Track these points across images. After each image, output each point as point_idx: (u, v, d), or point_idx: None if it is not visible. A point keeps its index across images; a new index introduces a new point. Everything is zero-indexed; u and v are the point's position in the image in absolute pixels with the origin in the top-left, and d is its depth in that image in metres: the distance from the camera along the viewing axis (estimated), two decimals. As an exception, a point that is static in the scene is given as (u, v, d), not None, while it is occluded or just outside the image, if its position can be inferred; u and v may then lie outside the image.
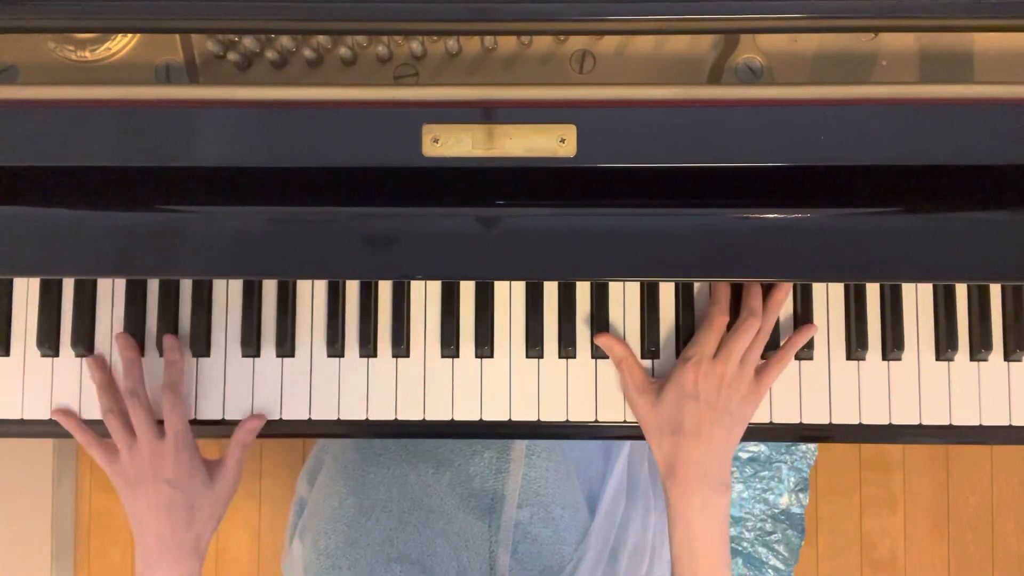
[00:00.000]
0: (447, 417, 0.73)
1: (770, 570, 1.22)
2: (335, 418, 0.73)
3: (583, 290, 0.73)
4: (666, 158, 0.58)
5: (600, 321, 0.73)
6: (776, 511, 1.23)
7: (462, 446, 0.83)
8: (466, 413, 0.73)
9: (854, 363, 0.73)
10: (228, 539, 1.64)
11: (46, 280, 0.73)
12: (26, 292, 0.73)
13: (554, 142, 0.57)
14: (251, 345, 0.72)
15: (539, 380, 0.73)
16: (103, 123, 0.58)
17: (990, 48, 0.64)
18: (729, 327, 0.69)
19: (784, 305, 0.72)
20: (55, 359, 0.73)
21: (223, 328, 0.73)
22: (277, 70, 0.66)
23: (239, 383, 0.73)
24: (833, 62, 0.65)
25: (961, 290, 0.73)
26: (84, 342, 0.72)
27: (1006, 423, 0.72)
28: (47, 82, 0.64)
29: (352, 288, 0.73)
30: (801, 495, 1.24)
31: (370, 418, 0.72)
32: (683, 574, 0.66)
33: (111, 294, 0.73)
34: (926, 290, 0.73)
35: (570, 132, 0.57)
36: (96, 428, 0.71)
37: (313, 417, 0.73)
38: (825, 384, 0.73)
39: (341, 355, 0.73)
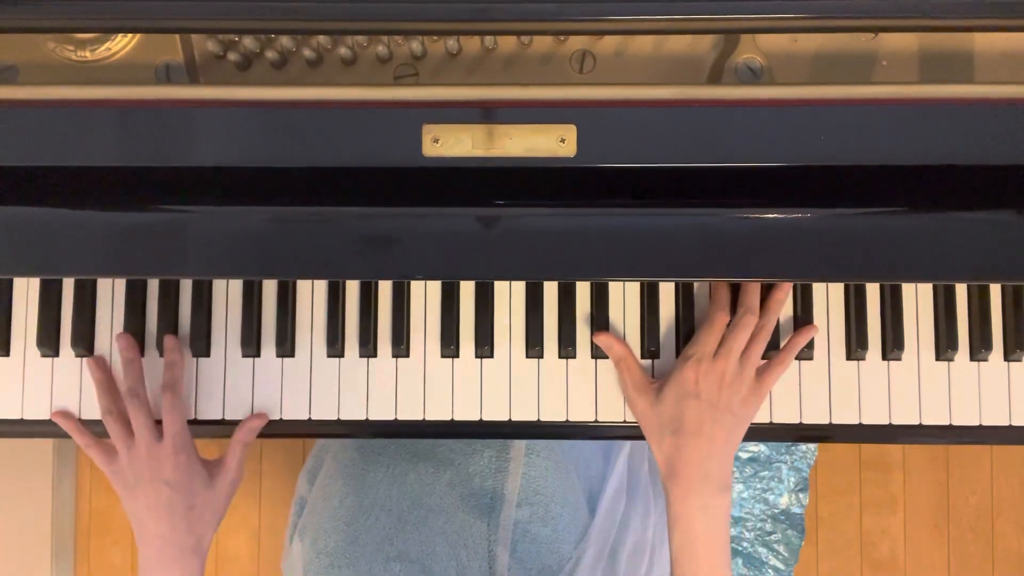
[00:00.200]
0: (447, 417, 0.73)
1: (770, 570, 1.22)
2: (335, 418, 0.73)
3: (583, 290, 0.73)
4: (666, 158, 0.58)
5: (600, 321, 0.73)
6: (776, 511, 1.23)
7: (462, 445, 0.83)
8: (466, 413, 0.73)
9: (854, 363, 0.73)
10: (228, 539, 1.64)
11: (46, 280, 0.73)
12: (26, 292, 0.73)
13: (554, 142, 0.57)
14: (251, 345, 0.72)
15: (539, 380, 0.73)
16: (103, 123, 0.58)
17: (990, 48, 0.64)
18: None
19: (784, 305, 0.72)
20: (55, 359, 0.73)
21: (223, 328, 0.73)
22: (277, 70, 0.66)
23: (239, 383, 0.73)
24: (833, 62, 0.65)
25: (961, 290, 0.73)
26: (84, 342, 0.72)
27: (1006, 423, 0.72)
28: (47, 82, 0.64)
29: (352, 288, 0.73)
30: (801, 495, 1.24)
31: (370, 418, 0.72)
32: (683, 574, 0.66)
33: (111, 294, 0.73)
34: (926, 290, 0.73)
35: (570, 132, 0.57)
36: (96, 428, 0.72)
37: (313, 417, 0.73)
38: (825, 384, 0.73)
39: (341, 355, 0.73)
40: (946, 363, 0.72)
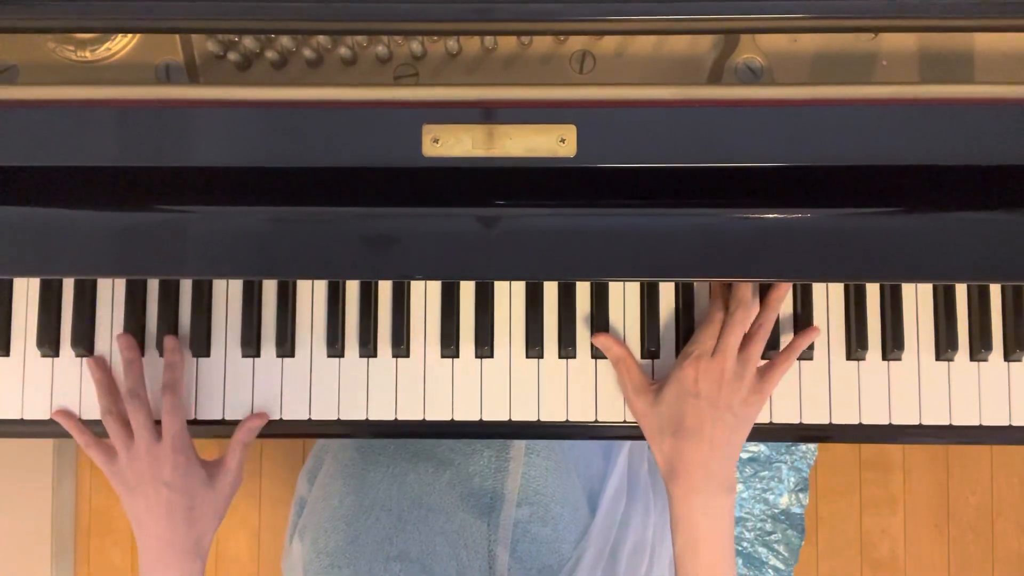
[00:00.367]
0: (447, 417, 0.73)
1: (770, 570, 1.22)
2: (335, 418, 0.73)
3: (583, 290, 0.73)
4: (666, 158, 0.58)
5: (600, 321, 0.73)
6: (776, 511, 1.23)
7: (462, 445, 0.83)
8: (466, 413, 0.73)
9: (854, 363, 0.73)
10: (228, 539, 1.64)
11: (46, 280, 0.73)
12: (26, 292, 0.73)
13: (554, 142, 0.57)
14: (251, 345, 0.72)
15: (539, 380, 0.73)
16: (103, 123, 0.58)
17: (990, 48, 0.64)
18: None
19: (784, 302, 0.72)
20: (55, 359, 0.73)
21: (223, 328, 0.73)
22: (277, 70, 0.66)
23: (239, 383, 0.73)
24: (833, 62, 0.65)
25: (961, 290, 0.73)
26: (84, 342, 0.72)
27: (1006, 423, 0.72)
28: (47, 82, 0.64)
29: (352, 288, 0.73)
30: (801, 495, 1.24)
31: (370, 418, 0.72)
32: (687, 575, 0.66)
33: (111, 294, 0.73)
34: (926, 290, 0.73)
35: (570, 132, 0.57)
36: (96, 429, 0.72)
37: (313, 417, 0.73)
38: (825, 384, 0.73)
39: (341, 355, 0.73)
40: (946, 363, 0.72)
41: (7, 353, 0.73)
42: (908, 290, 0.73)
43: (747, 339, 0.68)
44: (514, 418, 0.72)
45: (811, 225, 0.60)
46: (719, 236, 0.61)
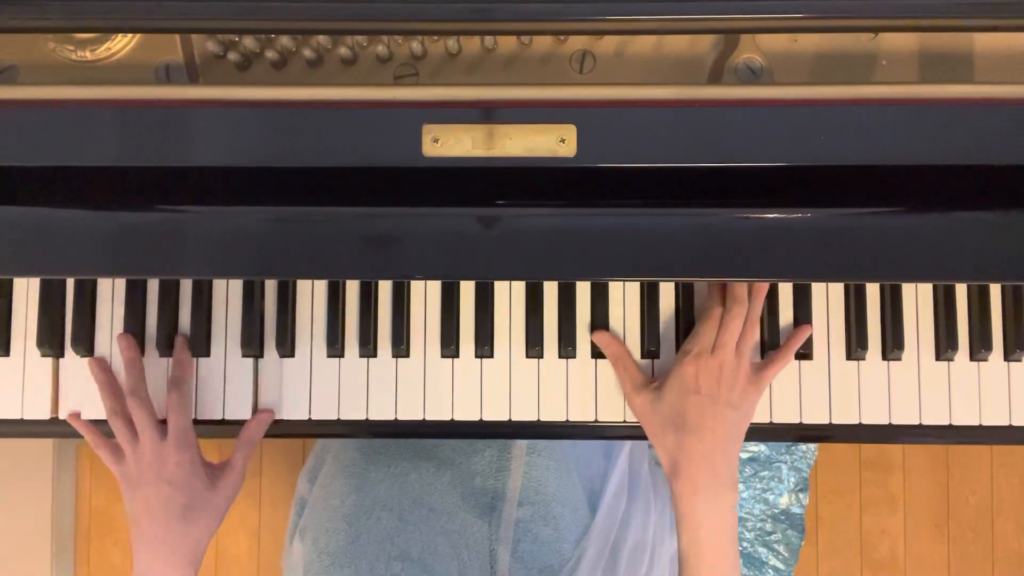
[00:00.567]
0: (447, 417, 0.73)
1: (770, 570, 1.21)
2: (335, 418, 0.73)
3: (583, 290, 0.73)
4: (666, 158, 0.58)
5: (600, 321, 0.73)
6: (776, 511, 1.22)
7: (463, 445, 0.83)
8: (466, 413, 0.73)
9: (854, 363, 0.73)
10: (228, 539, 1.64)
11: (46, 280, 0.73)
12: (26, 292, 0.73)
13: (554, 142, 0.57)
14: (251, 345, 0.72)
15: (539, 380, 0.73)
16: (103, 123, 0.58)
17: (990, 48, 0.64)
18: None
19: (766, 290, 0.72)
20: (55, 359, 0.73)
21: (223, 328, 0.73)
22: (277, 70, 0.66)
23: (239, 383, 0.73)
24: (833, 62, 0.65)
25: (961, 290, 0.73)
26: (84, 342, 0.72)
27: (1006, 423, 0.72)
28: (47, 82, 0.64)
29: (352, 288, 0.73)
30: (801, 495, 1.23)
31: (370, 418, 0.72)
32: (691, 574, 0.66)
33: (111, 294, 0.73)
34: (926, 290, 0.73)
35: (570, 132, 0.57)
36: (98, 427, 0.71)
37: (313, 417, 0.73)
38: (825, 384, 0.73)
39: (341, 355, 0.73)
40: (946, 363, 0.72)
41: (7, 353, 0.73)
42: (908, 290, 0.73)
43: (740, 334, 0.69)
44: (514, 418, 0.72)
45: (811, 225, 0.60)
46: (719, 236, 0.61)
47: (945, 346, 0.72)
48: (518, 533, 0.80)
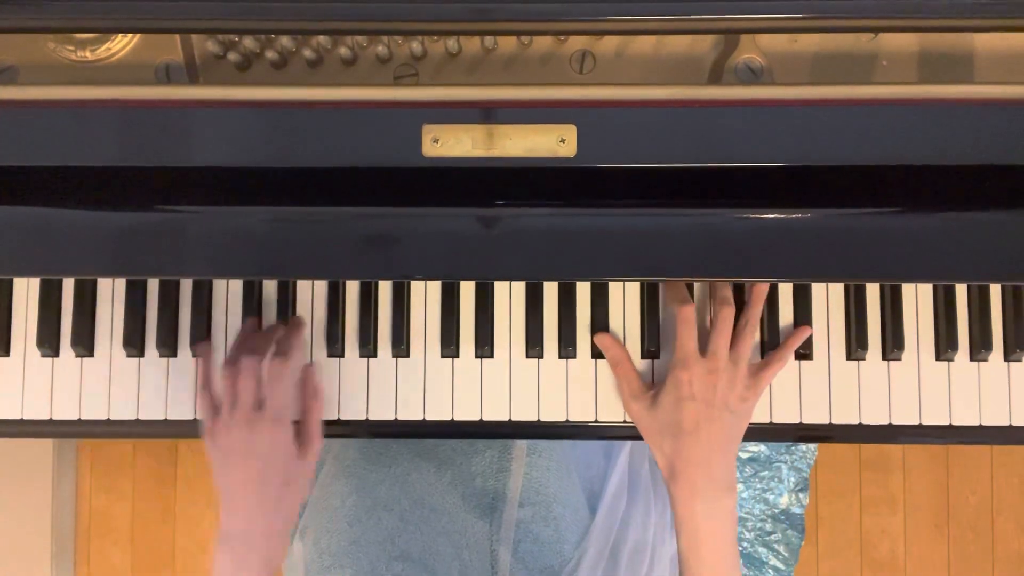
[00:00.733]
0: (447, 417, 0.73)
1: (770, 570, 1.21)
2: (335, 418, 0.73)
3: (583, 290, 0.73)
4: (666, 158, 0.58)
5: (600, 321, 0.73)
6: (776, 511, 1.22)
7: (463, 445, 0.83)
8: (466, 413, 0.73)
9: (854, 363, 0.73)
10: (228, 539, 1.64)
11: (46, 280, 0.73)
12: (26, 292, 0.73)
13: (554, 142, 0.57)
14: (251, 345, 0.72)
15: (539, 380, 0.73)
16: (103, 123, 0.58)
17: (990, 48, 0.64)
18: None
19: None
20: (55, 359, 0.73)
21: (223, 328, 0.73)
22: (277, 70, 0.66)
23: (239, 383, 0.73)
24: (833, 62, 0.65)
25: (961, 290, 0.73)
26: (84, 342, 0.72)
27: (1006, 423, 0.72)
28: (47, 82, 0.64)
29: (352, 288, 0.73)
30: (801, 495, 1.23)
31: (370, 418, 0.72)
32: None
33: (111, 294, 0.73)
34: (926, 290, 0.73)
35: (570, 132, 0.57)
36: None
37: (313, 417, 0.73)
38: (825, 384, 0.73)
39: (341, 355, 0.73)
40: (946, 363, 0.72)
41: (7, 353, 0.73)
42: (908, 290, 0.73)
43: (736, 336, 0.68)
44: (514, 418, 0.72)
45: (811, 225, 0.60)
46: (719, 236, 0.61)
47: (945, 346, 0.72)
48: (519, 534, 0.80)
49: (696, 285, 0.73)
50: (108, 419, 0.73)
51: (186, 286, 0.73)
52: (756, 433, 0.72)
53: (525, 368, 0.73)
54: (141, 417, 0.73)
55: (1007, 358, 0.72)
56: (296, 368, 0.69)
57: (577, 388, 0.73)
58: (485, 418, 0.72)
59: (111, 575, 1.64)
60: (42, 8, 0.54)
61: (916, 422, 0.72)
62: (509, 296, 0.73)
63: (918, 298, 0.73)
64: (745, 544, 1.23)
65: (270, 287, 0.73)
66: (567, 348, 0.72)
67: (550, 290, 0.73)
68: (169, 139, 0.58)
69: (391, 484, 0.81)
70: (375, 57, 0.66)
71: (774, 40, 0.65)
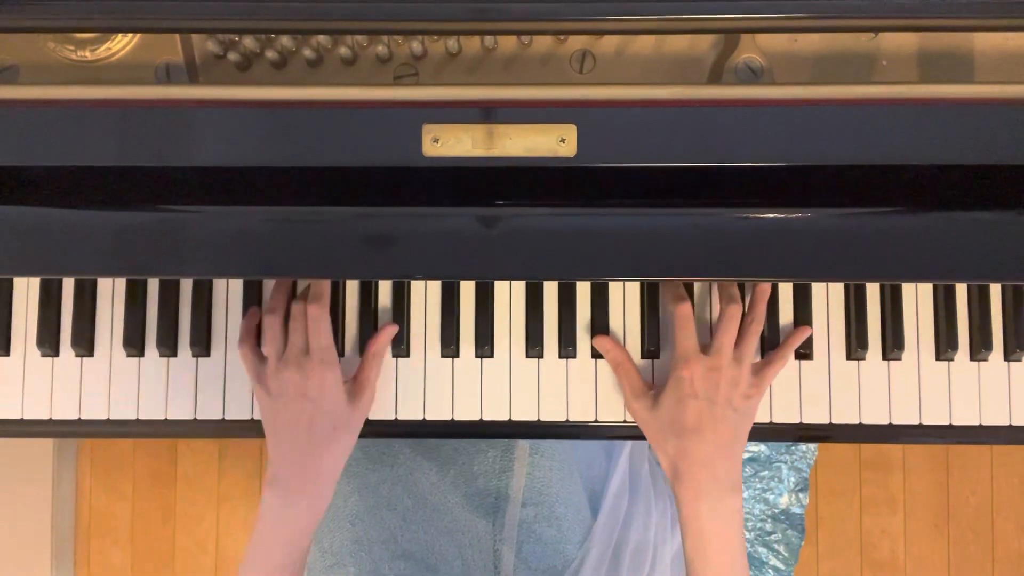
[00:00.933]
0: (447, 417, 0.73)
1: (770, 570, 1.21)
2: (335, 418, 0.72)
3: (583, 290, 0.73)
4: (666, 158, 0.58)
5: (600, 321, 0.73)
6: (776, 511, 1.22)
7: (466, 445, 0.83)
8: (466, 413, 0.73)
9: (854, 363, 0.73)
10: (228, 539, 1.64)
11: (46, 280, 0.73)
12: (26, 292, 0.73)
13: (554, 142, 0.57)
14: (251, 345, 0.72)
15: (539, 380, 0.73)
16: (103, 123, 0.58)
17: (990, 48, 0.64)
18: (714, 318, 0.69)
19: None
20: (55, 359, 0.73)
21: (223, 328, 0.73)
22: (277, 70, 0.66)
23: (239, 383, 0.73)
24: (833, 62, 0.65)
25: (961, 290, 0.73)
26: (84, 342, 0.72)
27: (1006, 423, 0.72)
28: (47, 82, 0.64)
29: (352, 288, 0.73)
30: (801, 495, 1.23)
31: (370, 418, 0.72)
32: None
33: (111, 294, 0.73)
34: (926, 290, 0.73)
35: (570, 132, 0.57)
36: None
37: (313, 417, 0.73)
38: (825, 384, 0.73)
39: (341, 355, 0.73)
40: (946, 363, 0.72)
41: (7, 353, 0.73)
42: (908, 290, 0.73)
43: (741, 334, 0.68)
44: (514, 418, 0.72)
45: (811, 225, 0.61)
46: (719, 236, 0.61)
47: (945, 346, 0.72)
48: (522, 534, 0.80)
49: (696, 284, 0.73)
50: (108, 419, 0.73)
51: (186, 286, 0.73)
52: (756, 433, 0.72)
53: (525, 368, 0.73)
54: (141, 417, 0.73)
55: (1007, 358, 0.72)
56: (327, 317, 0.69)
57: (577, 388, 0.73)
58: (485, 418, 0.72)
59: (111, 575, 1.64)
60: (42, 8, 0.54)
61: (916, 422, 0.72)
62: (509, 296, 0.73)
63: (918, 298, 0.73)
64: (745, 544, 1.23)
65: (270, 287, 0.73)
66: (567, 348, 0.72)
67: (550, 290, 0.73)
68: (169, 139, 0.58)
69: (393, 484, 0.81)
70: (375, 57, 0.66)
71: (774, 40, 0.65)
